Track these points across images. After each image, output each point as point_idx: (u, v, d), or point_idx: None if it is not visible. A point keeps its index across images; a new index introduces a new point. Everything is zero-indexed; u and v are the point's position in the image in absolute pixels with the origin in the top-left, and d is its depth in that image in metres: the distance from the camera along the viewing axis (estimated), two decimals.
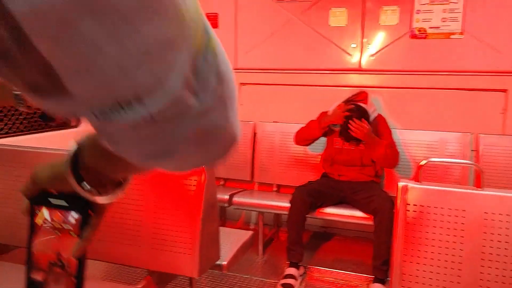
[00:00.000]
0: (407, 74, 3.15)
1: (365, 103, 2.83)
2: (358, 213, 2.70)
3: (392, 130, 2.96)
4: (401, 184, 1.52)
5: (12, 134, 2.72)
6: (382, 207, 2.52)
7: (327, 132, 2.93)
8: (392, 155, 2.74)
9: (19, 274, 1.91)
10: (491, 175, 2.81)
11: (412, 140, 3.02)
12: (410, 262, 1.47)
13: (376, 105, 2.89)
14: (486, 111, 3.04)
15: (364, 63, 3.25)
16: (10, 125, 2.74)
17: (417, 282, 1.46)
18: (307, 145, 3.03)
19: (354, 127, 2.70)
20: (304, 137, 2.98)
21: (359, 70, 3.25)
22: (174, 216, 1.84)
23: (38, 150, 2.13)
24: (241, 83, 3.53)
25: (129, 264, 1.95)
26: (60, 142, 2.88)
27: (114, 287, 1.88)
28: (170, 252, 1.84)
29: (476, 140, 2.94)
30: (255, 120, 3.41)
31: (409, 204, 1.49)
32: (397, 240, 1.50)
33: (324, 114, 2.94)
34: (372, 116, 2.81)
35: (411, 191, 1.50)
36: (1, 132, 2.68)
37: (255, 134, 3.39)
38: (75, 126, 3.16)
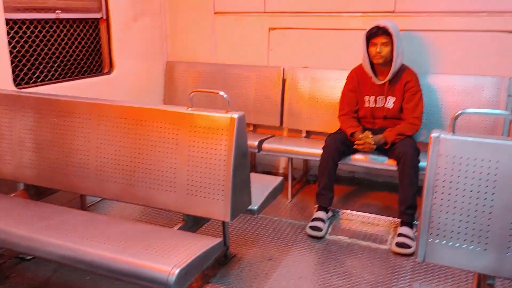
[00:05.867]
0: (443, 16, 3.01)
1: None
2: (385, 159, 2.71)
3: (426, 75, 2.88)
4: (434, 135, 1.52)
5: (47, 82, 2.80)
6: (405, 154, 2.54)
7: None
8: (411, 131, 2.69)
9: (59, 215, 2.04)
10: None
11: (446, 85, 2.93)
12: (440, 211, 1.50)
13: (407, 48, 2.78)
14: None
15: (398, 5, 3.10)
16: (45, 73, 2.81)
17: (445, 230, 1.50)
18: None
19: (360, 146, 2.67)
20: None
21: (392, 12, 3.11)
22: (207, 164, 1.91)
23: (73, 99, 2.21)
24: (270, 28, 3.46)
25: (167, 208, 2.06)
26: (93, 89, 2.94)
27: (153, 228, 2.00)
28: (205, 198, 1.92)
29: None
30: (284, 65, 3.37)
31: (441, 155, 1.50)
32: (427, 190, 1.52)
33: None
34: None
35: (443, 142, 1.50)
36: (38, 80, 2.76)
37: (284, 80, 3.36)
38: (108, 73, 3.21)
